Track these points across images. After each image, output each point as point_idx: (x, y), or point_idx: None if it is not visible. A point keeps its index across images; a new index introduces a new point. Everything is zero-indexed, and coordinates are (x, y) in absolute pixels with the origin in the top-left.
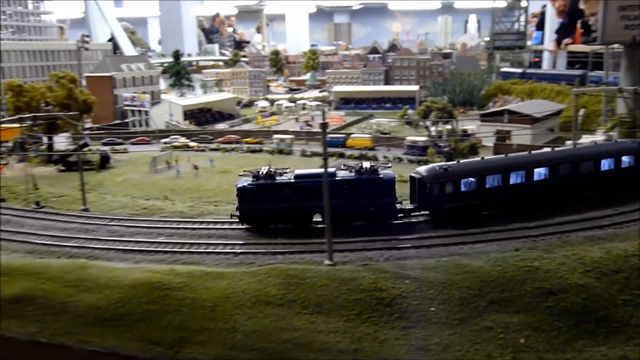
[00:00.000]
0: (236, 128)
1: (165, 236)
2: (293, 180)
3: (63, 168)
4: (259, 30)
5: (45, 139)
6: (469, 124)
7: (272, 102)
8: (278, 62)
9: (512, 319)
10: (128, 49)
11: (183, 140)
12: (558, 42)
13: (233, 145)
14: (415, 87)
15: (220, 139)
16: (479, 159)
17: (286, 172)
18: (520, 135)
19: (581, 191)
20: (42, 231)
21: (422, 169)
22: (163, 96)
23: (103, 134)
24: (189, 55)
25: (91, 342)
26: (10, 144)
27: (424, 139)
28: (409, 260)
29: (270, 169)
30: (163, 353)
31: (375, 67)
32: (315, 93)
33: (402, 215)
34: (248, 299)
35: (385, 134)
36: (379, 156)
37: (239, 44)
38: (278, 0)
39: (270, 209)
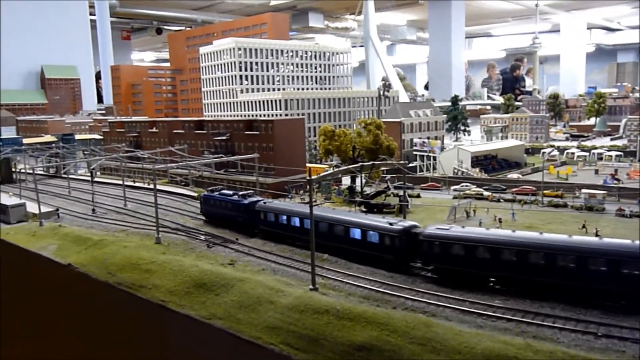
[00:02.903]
0: (529, 177)
1: (500, 299)
2: (215, 196)
3: (364, 210)
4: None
5: (345, 180)
6: None
7: (561, 150)
8: (557, 107)
9: None
10: (401, 94)
11: (476, 188)
12: None
13: (532, 198)
14: None
15: (515, 190)
16: (293, 203)
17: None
18: None
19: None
20: (370, 276)
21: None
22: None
23: (396, 178)
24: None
25: None
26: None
27: None
28: None
29: (216, 188)
30: None
31: None
32: (606, 141)
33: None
34: None
35: None
36: None
37: (512, 87)
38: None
39: (209, 210)
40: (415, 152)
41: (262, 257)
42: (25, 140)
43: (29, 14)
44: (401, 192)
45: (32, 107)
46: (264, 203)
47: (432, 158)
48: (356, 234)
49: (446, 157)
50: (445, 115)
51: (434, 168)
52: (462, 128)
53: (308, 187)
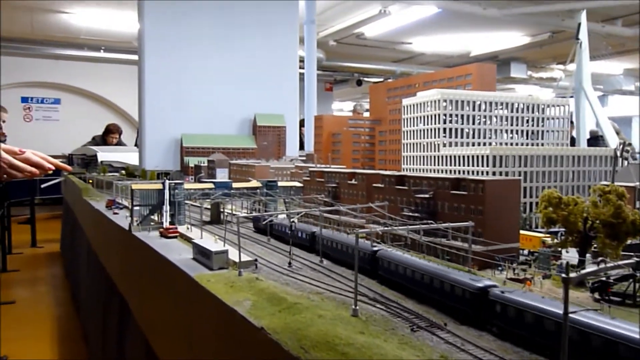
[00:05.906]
0: None
1: None
2: (257, 216)
3: (598, 298)
4: None
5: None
6: None
7: None
8: None
9: None
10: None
11: None
12: None
13: None
14: None
15: None
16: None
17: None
18: None
19: None
20: None
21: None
22: None
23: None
24: None
25: None
26: (535, 255)
27: None
28: None
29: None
30: None
31: None
32: None
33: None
34: None
35: None
36: None
37: None
38: None
39: (255, 224)
40: None
41: (479, 357)
42: (234, 185)
43: (247, 68)
44: None
45: (243, 152)
46: (271, 220)
47: None
48: None
49: None
50: None
51: None
52: None
53: (564, 283)
